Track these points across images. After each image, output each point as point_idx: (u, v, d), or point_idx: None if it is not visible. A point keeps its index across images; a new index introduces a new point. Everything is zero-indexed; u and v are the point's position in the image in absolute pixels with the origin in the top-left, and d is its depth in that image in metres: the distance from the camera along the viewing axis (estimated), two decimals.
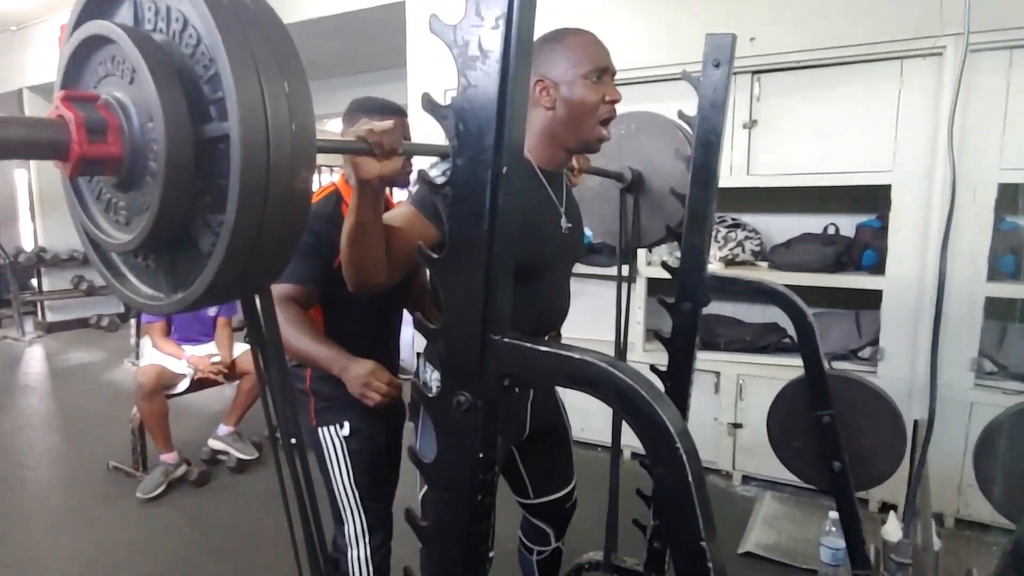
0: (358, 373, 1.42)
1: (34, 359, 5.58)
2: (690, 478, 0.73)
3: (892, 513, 2.26)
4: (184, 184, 0.64)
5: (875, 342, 2.78)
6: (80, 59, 0.72)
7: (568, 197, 1.49)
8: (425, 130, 3.50)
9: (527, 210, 1.31)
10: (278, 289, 1.47)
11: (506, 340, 0.84)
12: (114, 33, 0.66)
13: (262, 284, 0.74)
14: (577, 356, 0.79)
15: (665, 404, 0.75)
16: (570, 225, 1.47)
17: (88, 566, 2.42)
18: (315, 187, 1.39)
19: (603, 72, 1.33)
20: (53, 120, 0.63)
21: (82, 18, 0.72)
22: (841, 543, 2.10)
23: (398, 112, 1.61)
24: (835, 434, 1.70)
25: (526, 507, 1.70)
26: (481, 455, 0.87)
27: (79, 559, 2.47)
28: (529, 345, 0.83)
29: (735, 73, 2.04)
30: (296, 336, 1.47)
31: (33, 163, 6.48)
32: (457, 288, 0.85)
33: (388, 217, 1.20)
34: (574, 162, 1.60)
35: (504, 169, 0.81)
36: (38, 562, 2.45)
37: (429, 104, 0.86)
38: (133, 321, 3.75)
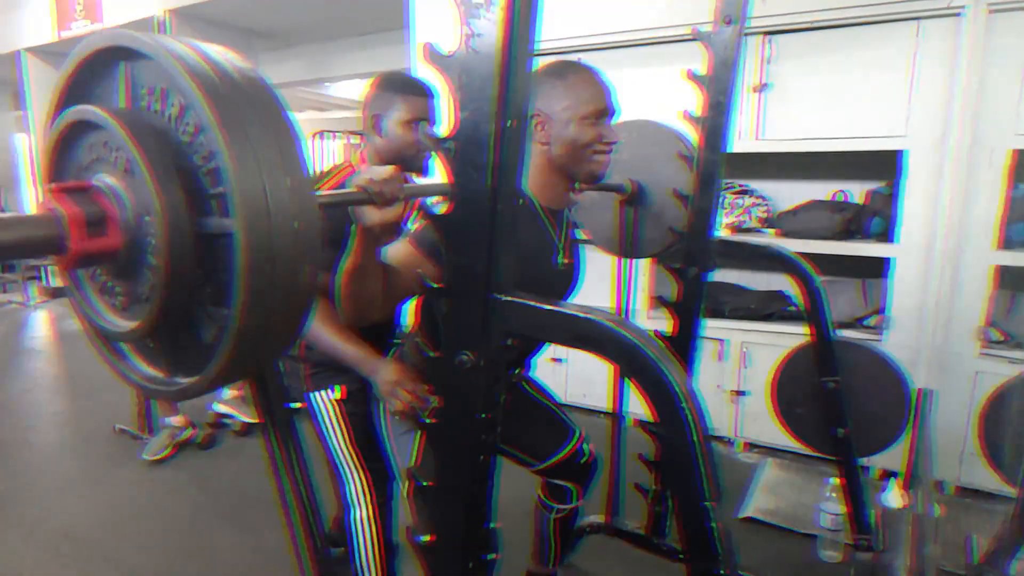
0: (388, 377, 1.45)
1: (39, 323, 5.61)
2: (694, 438, 0.72)
3: (892, 480, 2.27)
4: (185, 280, 0.63)
5: (881, 310, 2.76)
6: (69, 142, 0.68)
7: (568, 233, 1.50)
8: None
9: (524, 252, 1.32)
10: None
11: (508, 299, 0.82)
12: (108, 124, 0.62)
13: (265, 366, 0.75)
14: (582, 315, 0.77)
15: (670, 364, 0.74)
16: (567, 262, 1.48)
17: (95, 526, 2.45)
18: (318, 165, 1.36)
19: (601, 114, 1.33)
20: (48, 217, 0.60)
21: (70, 98, 0.69)
22: (840, 508, 2.11)
23: (425, 92, 1.58)
24: (839, 400, 1.69)
25: (540, 472, 1.70)
26: (483, 415, 0.86)
27: (86, 519, 2.50)
28: (533, 304, 0.81)
29: (746, 34, 1.99)
30: (323, 331, 1.50)
31: (33, 128, 6.42)
32: (460, 246, 0.83)
33: (388, 255, 1.21)
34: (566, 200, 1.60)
35: (509, 122, 0.79)
36: (46, 522, 2.48)
37: (432, 55, 0.83)
38: None
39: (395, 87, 1.56)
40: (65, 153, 0.69)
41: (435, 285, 0.86)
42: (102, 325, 0.72)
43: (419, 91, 1.56)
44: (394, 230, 1.05)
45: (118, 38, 0.63)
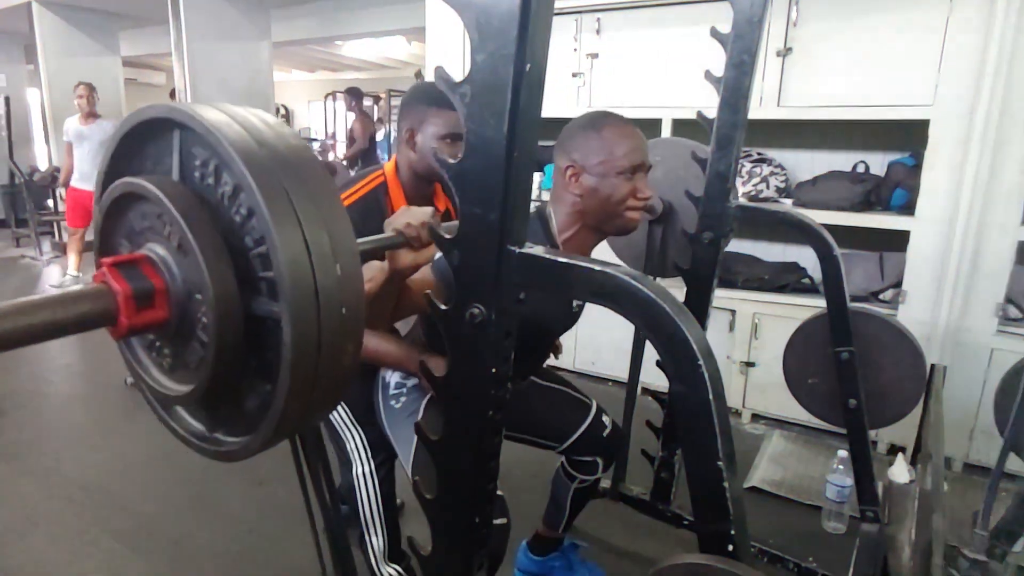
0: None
1: (52, 278, 5.65)
2: (710, 396, 0.70)
3: (900, 455, 2.26)
4: (232, 355, 0.63)
5: (898, 284, 2.72)
6: (121, 210, 0.69)
7: None
8: (443, 52, 3.37)
9: (540, 304, 1.34)
10: None
11: (523, 251, 0.80)
12: (161, 201, 0.62)
13: (304, 431, 0.77)
14: (598, 268, 0.75)
15: (689, 321, 0.71)
16: (579, 304, 1.49)
17: (108, 475, 2.49)
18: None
19: (637, 169, 1.30)
20: (101, 291, 0.61)
21: (123, 158, 0.70)
22: (848, 481, 2.11)
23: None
24: (853, 371, 1.67)
25: (566, 451, 1.69)
26: (494, 369, 0.84)
27: (99, 469, 2.54)
28: (548, 257, 0.79)
29: None
30: (367, 334, 1.48)
31: (44, 83, 6.38)
32: (474, 196, 0.80)
33: (410, 280, 1.19)
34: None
35: (527, 66, 0.75)
36: (59, 471, 2.52)
37: None
38: None
39: (428, 100, 1.53)
40: (117, 219, 0.70)
41: (443, 306, 0.85)
42: (149, 384, 0.74)
43: (452, 104, 1.51)
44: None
45: (170, 111, 0.64)
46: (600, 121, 1.31)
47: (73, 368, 3.68)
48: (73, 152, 4.99)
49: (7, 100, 7.42)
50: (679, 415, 0.74)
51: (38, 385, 3.39)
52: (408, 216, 1.02)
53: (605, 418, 1.69)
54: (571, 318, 1.51)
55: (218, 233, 0.62)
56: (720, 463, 0.71)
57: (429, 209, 1.05)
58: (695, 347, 0.70)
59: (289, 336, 0.59)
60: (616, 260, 1.95)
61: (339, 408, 1.60)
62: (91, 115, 4.95)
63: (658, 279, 1.84)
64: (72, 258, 5.22)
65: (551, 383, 1.71)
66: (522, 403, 1.61)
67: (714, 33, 1.61)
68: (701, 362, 0.70)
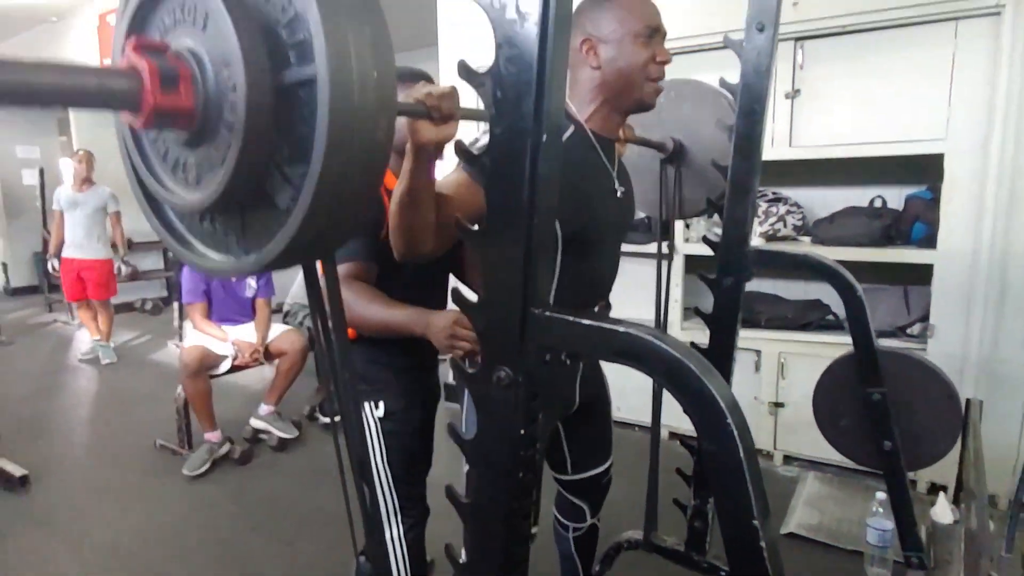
0: (442, 325, 1.33)
1: (83, 342, 5.76)
2: (741, 454, 0.70)
3: (942, 495, 2.19)
4: (264, 134, 0.61)
5: (924, 318, 2.68)
6: (146, 8, 0.68)
7: (619, 163, 1.46)
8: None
9: (581, 178, 1.28)
10: (339, 270, 1.44)
11: (547, 314, 0.81)
12: None
13: (337, 243, 0.71)
14: (622, 329, 0.76)
15: (714, 377, 0.72)
16: (623, 189, 1.43)
17: (137, 539, 2.50)
18: None
19: (654, 31, 1.28)
20: (126, 70, 0.60)
21: None
22: (889, 524, 2.04)
23: (422, 77, 1.57)
24: (885, 412, 1.64)
25: (563, 483, 1.69)
26: (522, 431, 0.85)
27: (128, 533, 2.55)
28: (571, 319, 0.80)
29: (777, 39, 1.96)
30: (368, 308, 1.42)
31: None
32: (497, 260, 0.83)
33: (440, 184, 1.16)
34: (620, 132, 1.55)
35: (544, 137, 0.78)
36: (90, 537, 2.54)
37: (465, 71, 0.83)
38: (176, 304, 3.84)
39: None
40: (143, 17, 0.69)
41: (473, 227, 0.83)
42: (172, 199, 0.70)
43: (419, 77, 1.54)
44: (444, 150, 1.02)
45: None
46: None
47: (103, 432, 3.72)
48: (65, 221, 4.79)
49: (41, 171, 7.71)
50: (710, 473, 0.74)
51: (70, 449, 3.43)
52: (428, 87, 0.98)
53: (612, 467, 1.70)
54: (621, 205, 1.43)
55: (246, 4, 0.61)
56: (755, 521, 0.70)
57: (450, 86, 1.01)
58: (722, 404, 0.70)
59: (326, 88, 0.57)
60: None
61: (377, 467, 1.58)
62: (86, 181, 4.79)
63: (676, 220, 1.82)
64: (91, 326, 5.08)
65: (601, 413, 1.68)
66: (577, 419, 1.57)
67: (723, 83, 1.65)
68: (729, 420, 0.70)
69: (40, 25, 6.67)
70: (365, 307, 1.42)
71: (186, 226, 0.75)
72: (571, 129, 1.30)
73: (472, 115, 1.04)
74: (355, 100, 0.59)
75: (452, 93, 0.98)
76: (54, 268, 4.93)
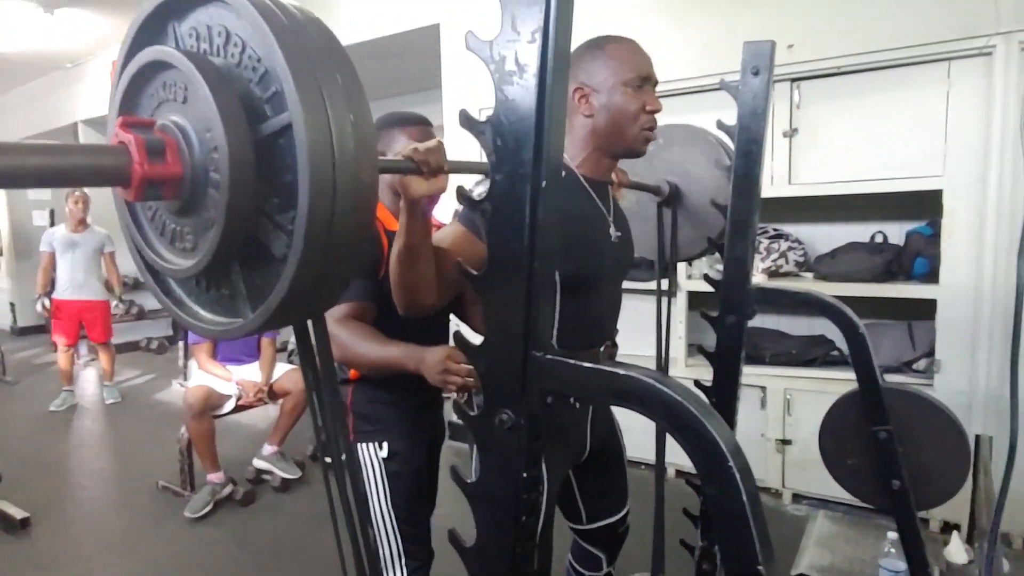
0: (435, 360, 1.33)
1: (88, 381, 5.77)
2: (744, 498, 0.70)
3: (955, 533, 2.15)
4: (248, 185, 0.64)
5: (930, 354, 2.67)
6: (134, 89, 0.73)
7: (615, 207, 1.48)
8: (461, 150, 3.53)
9: (575, 221, 1.29)
10: (336, 310, 1.46)
11: (548, 357, 0.82)
12: (165, 54, 0.67)
13: (335, 292, 0.73)
14: (622, 372, 0.76)
15: (715, 420, 0.72)
16: (619, 234, 1.45)
17: None
18: None
19: (644, 80, 1.31)
20: (114, 146, 0.64)
21: (132, 51, 0.74)
22: (902, 565, 2.00)
23: (422, 122, 1.61)
24: (893, 451, 1.62)
25: (579, 532, 1.66)
26: (525, 474, 0.85)
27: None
28: (572, 362, 0.81)
29: (773, 81, 2.01)
30: (363, 347, 1.44)
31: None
32: (498, 304, 0.84)
33: (437, 237, 1.20)
34: (613, 176, 1.58)
35: (543, 183, 0.80)
36: None
37: (466, 120, 0.85)
38: (181, 344, 3.85)
39: (393, 122, 1.59)
40: (131, 99, 0.73)
41: (474, 272, 0.84)
42: (170, 268, 0.73)
43: (416, 120, 1.59)
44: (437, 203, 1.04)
45: None
46: (603, 40, 1.32)
47: (106, 473, 3.70)
48: (58, 262, 4.75)
49: (52, 213, 7.83)
50: (714, 516, 0.74)
51: (71, 491, 3.41)
52: (414, 144, 1.00)
53: (628, 518, 1.67)
54: (618, 251, 1.44)
55: (220, 71, 0.65)
56: (760, 567, 0.70)
57: (436, 140, 1.04)
58: (724, 447, 0.70)
59: (302, 131, 0.59)
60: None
61: (382, 507, 1.57)
62: (82, 223, 4.78)
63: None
64: (67, 372, 4.94)
65: (620, 459, 1.67)
66: (589, 466, 1.56)
67: (720, 125, 1.68)
68: (731, 463, 0.70)
69: (55, 71, 6.85)
70: (360, 345, 1.44)
71: (192, 296, 0.78)
72: (562, 174, 1.32)
73: (462, 168, 1.06)
74: (334, 142, 0.62)
75: (438, 147, 1.01)
76: (44, 307, 4.86)
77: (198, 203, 0.67)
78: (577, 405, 1.46)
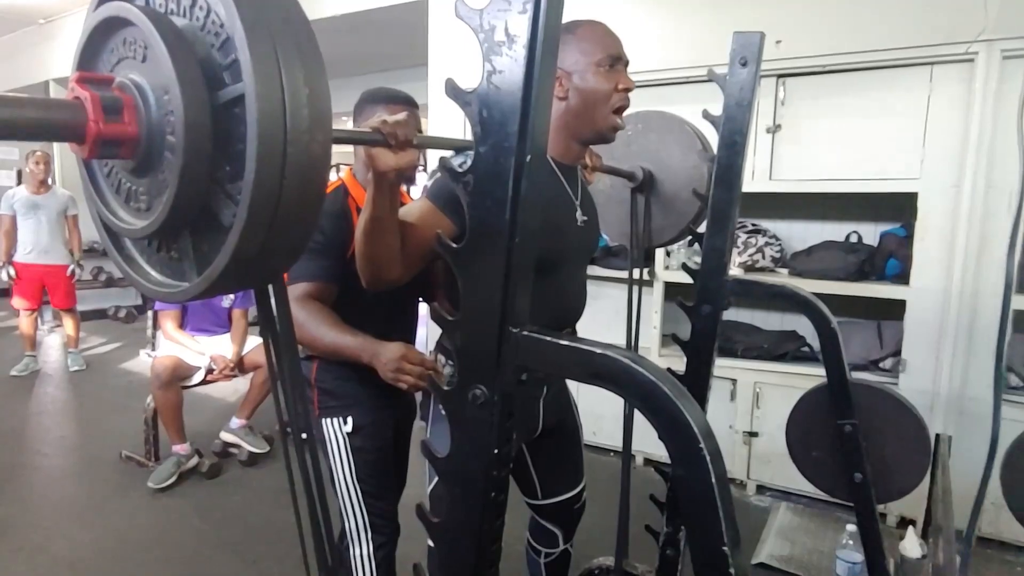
0: (389, 357, 1.34)
1: (52, 348, 5.64)
2: (713, 480, 0.70)
3: (911, 528, 2.21)
4: (203, 151, 0.63)
5: (897, 353, 2.72)
6: (94, 45, 0.71)
7: (583, 191, 1.48)
8: (446, 129, 3.49)
9: (542, 203, 1.29)
10: (295, 289, 1.45)
11: (525, 333, 0.81)
12: (124, 10, 0.65)
13: (282, 264, 0.72)
14: (599, 351, 0.76)
15: (688, 402, 0.72)
16: (585, 218, 1.46)
17: (98, 554, 2.42)
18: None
19: (616, 60, 1.32)
20: (70, 101, 0.62)
21: (99, 3, 0.72)
22: (858, 556, 2.05)
23: (408, 101, 1.58)
24: (857, 444, 1.65)
25: (535, 508, 1.68)
26: (496, 451, 0.85)
27: (89, 547, 2.47)
28: (549, 339, 0.81)
29: (760, 76, 2.01)
30: (319, 330, 1.42)
31: (57, 159, 6.55)
32: (476, 279, 0.83)
33: (403, 212, 1.19)
34: (588, 160, 1.58)
35: (528, 157, 0.79)
36: (48, 548, 2.46)
37: (452, 90, 0.84)
38: (150, 313, 3.78)
39: (378, 99, 1.56)
40: (92, 54, 0.72)
41: (454, 244, 0.84)
42: (123, 226, 0.72)
43: (402, 100, 1.56)
44: (408, 178, 1.03)
45: None
46: (572, 24, 1.32)
47: (67, 441, 3.62)
48: (20, 225, 4.58)
49: (19, 173, 7.59)
50: (682, 499, 0.74)
51: (31, 458, 3.33)
52: (383, 116, 1.00)
53: (584, 495, 1.69)
54: (584, 234, 1.45)
55: (182, 34, 0.64)
56: (725, 547, 0.70)
57: (404, 113, 1.03)
58: (696, 430, 0.71)
59: (253, 102, 0.58)
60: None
61: (347, 481, 1.56)
62: (43, 184, 4.63)
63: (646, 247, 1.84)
64: (31, 337, 4.81)
65: (574, 437, 1.68)
66: (544, 443, 1.57)
67: (705, 115, 1.68)
68: (702, 445, 0.70)
69: (27, 27, 6.62)
70: (316, 328, 1.43)
71: (144, 255, 0.77)
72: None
73: (431, 143, 1.05)
74: (286, 113, 0.61)
75: (407, 120, 1.00)
76: (10, 276, 4.65)
77: (153, 165, 0.66)
78: (530, 384, 1.47)
